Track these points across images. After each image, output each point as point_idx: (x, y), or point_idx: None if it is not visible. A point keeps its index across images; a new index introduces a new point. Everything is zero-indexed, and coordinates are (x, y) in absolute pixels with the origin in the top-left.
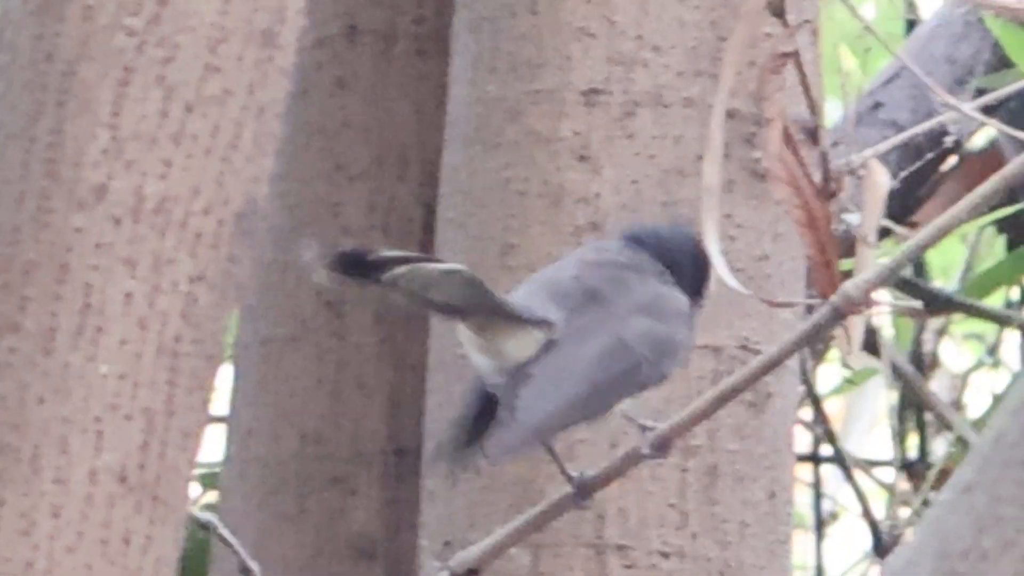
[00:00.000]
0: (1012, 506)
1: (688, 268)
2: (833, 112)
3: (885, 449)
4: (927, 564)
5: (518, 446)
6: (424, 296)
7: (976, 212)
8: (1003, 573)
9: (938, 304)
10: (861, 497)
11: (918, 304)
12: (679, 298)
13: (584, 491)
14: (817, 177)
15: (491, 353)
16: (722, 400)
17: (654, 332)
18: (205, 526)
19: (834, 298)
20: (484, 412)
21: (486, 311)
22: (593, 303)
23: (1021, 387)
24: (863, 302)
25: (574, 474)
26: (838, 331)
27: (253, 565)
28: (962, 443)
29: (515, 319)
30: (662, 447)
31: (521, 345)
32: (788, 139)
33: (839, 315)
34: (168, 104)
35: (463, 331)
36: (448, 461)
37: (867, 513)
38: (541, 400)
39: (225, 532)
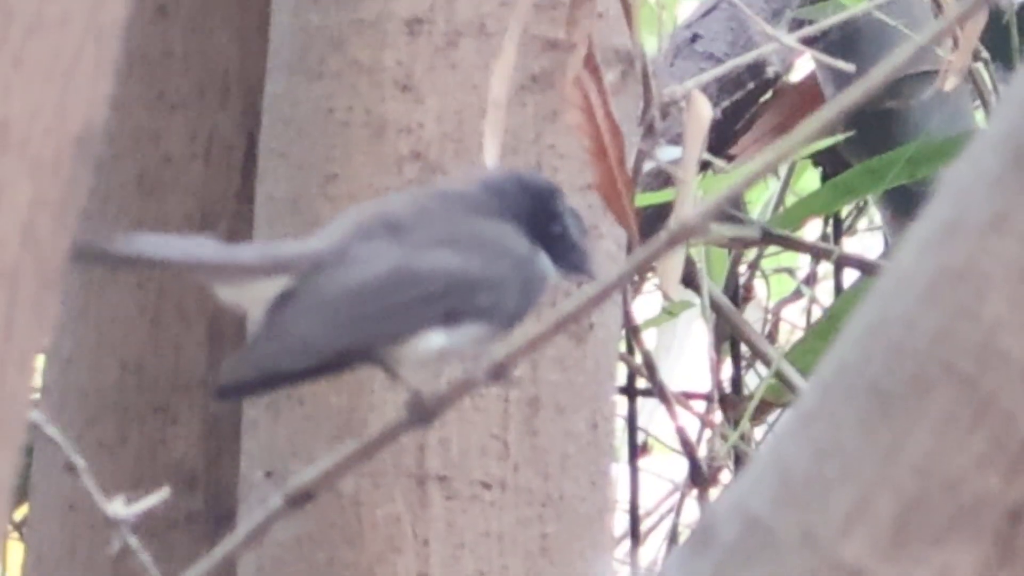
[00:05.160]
0: (854, 434)
1: (551, 230)
2: (648, 46)
3: (692, 381)
4: (768, 491)
5: (283, 357)
6: (174, 266)
7: (811, 139)
8: (845, 501)
9: (757, 236)
10: (680, 429)
11: (753, 233)
12: (516, 241)
13: (422, 413)
14: (639, 107)
15: (249, 301)
16: (559, 326)
17: (463, 266)
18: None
19: (671, 225)
20: None
21: (231, 268)
22: (389, 234)
23: (864, 314)
24: (700, 230)
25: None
26: (658, 262)
27: (78, 460)
28: (779, 377)
29: (257, 268)
30: (498, 373)
31: (272, 286)
32: (592, 66)
33: (675, 242)
34: (8, 28)
35: (219, 290)
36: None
37: (686, 444)
38: (309, 313)
39: (50, 430)
